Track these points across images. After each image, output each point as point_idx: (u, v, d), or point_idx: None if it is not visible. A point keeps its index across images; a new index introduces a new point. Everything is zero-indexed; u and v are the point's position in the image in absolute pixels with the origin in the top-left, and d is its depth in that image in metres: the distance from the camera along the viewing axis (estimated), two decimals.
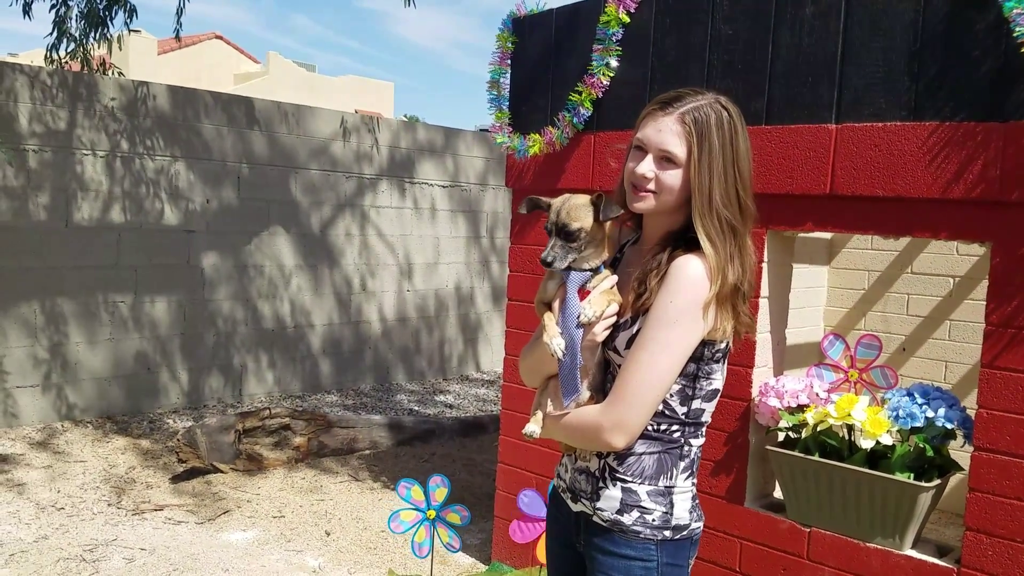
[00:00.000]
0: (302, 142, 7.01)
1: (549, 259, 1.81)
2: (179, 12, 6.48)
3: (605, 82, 3.39)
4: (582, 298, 1.82)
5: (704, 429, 1.87)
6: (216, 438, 4.97)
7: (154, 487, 4.88)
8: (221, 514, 4.51)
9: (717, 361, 1.82)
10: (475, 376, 8.69)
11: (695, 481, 1.88)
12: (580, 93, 3.44)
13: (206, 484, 4.91)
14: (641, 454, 1.80)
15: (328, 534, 4.36)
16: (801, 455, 2.97)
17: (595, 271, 1.86)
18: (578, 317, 1.79)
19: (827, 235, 5.27)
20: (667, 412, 1.79)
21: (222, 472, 5.00)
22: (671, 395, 1.78)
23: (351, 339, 7.65)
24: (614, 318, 1.83)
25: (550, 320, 1.84)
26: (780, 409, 3.05)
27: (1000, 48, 2.51)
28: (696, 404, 1.81)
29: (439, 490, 3.18)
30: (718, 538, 3.20)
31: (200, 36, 29.60)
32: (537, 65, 3.69)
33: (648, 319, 1.74)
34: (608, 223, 1.85)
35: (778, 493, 3.25)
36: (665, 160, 1.75)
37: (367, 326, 7.76)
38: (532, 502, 3.03)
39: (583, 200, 1.83)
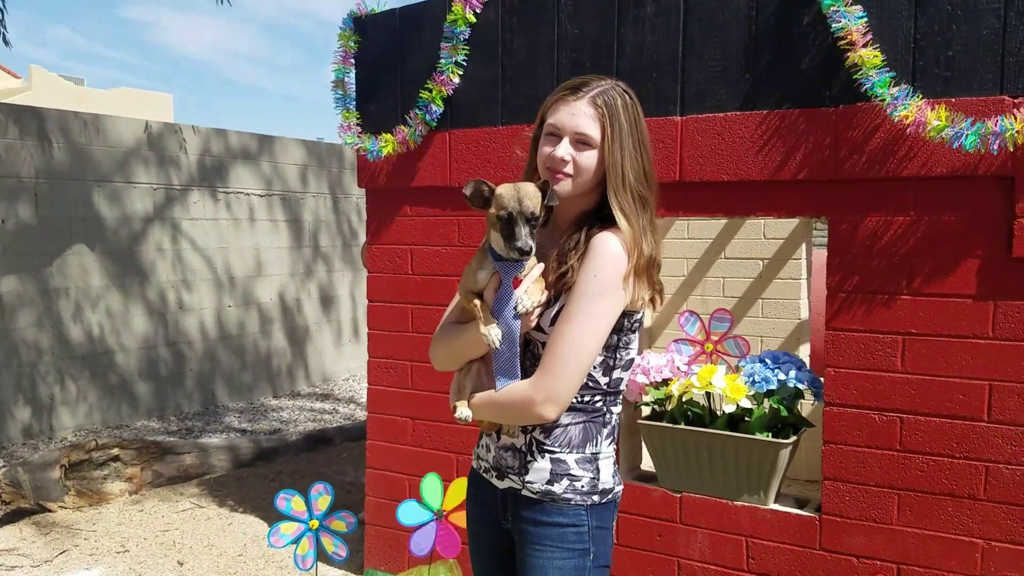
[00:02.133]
0: (104, 153, 6.53)
1: (528, 246, 1.79)
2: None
3: (455, 80, 3.44)
4: (514, 286, 1.85)
5: (621, 397, 1.97)
6: (40, 475, 4.54)
7: None
8: (59, 554, 4.13)
9: (634, 331, 1.93)
10: (307, 390, 8.45)
11: (615, 447, 1.97)
12: (431, 91, 3.46)
13: (35, 525, 4.47)
14: (567, 425, 1.87)
15: (181, 564, 4.11)
16: (669, 425, 3.16)
17: (525, 255, 1.88)
18: (515, 308, 1.82)
19: None
20: (590, 383, 1.88)
21: (51, 511, 4.58)
22: (594, 367, 1.86)
23: (170, 360, 7.21)
24: (546, 303, 1.88)
25: (484, 311, 1.86)
26: (647, 384, 3.22)
27: (824, 40, 2.79)
28: (616, 374, 1.91)
29: (322, 498, 3.10)
30: None
31: None
32: (383, 64, 3.67)
33: (573, 294, 1.81)
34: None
35: (647, 465, 3.43)
36: (581, 143, 1.84)
37: (187, 345, 7.35)
38: (413, 511, 3.00)
39: (533, 188, 1.84)
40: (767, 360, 3.15)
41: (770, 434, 3.06)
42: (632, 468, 3.39)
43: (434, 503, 2.94)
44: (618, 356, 1.90)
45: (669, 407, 3.19)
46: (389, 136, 3.53)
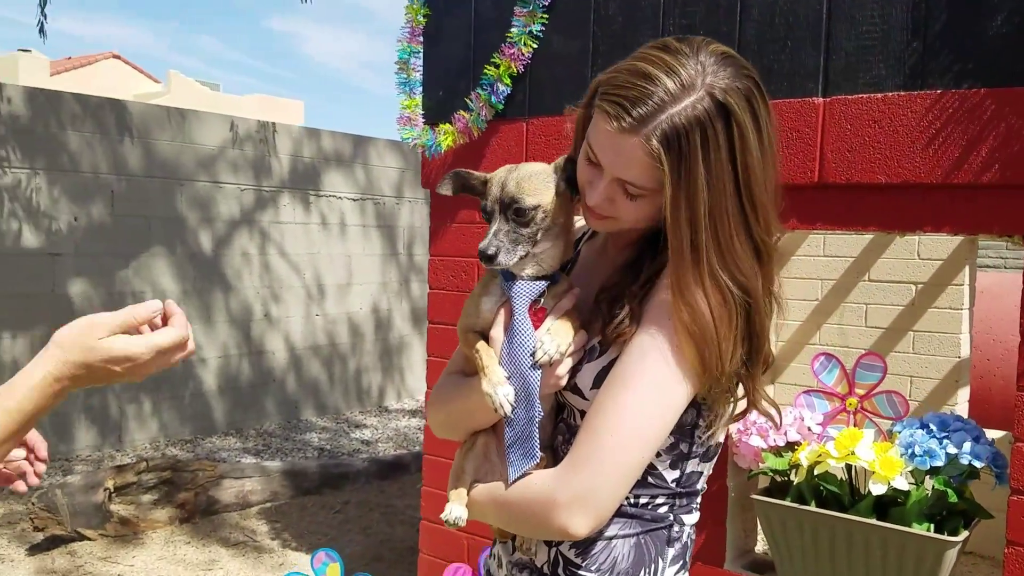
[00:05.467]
0: (188, 151, 6.22)
1: (491, 250, 1.21)
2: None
3: (527, 54, 2.81)
4: (535, 322, 1.23)
5: (699, 500, 1.32)
6: (80, 499, 4.15)
7: (7, 561, 4.03)
8: None
9: (724, 404, 1.26)
10: (395, 407, 7.98)
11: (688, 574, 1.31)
12: (498, 66, 2.83)
13: (70, 555, 4.08)
14: (612, 538, 1.24)
15: None
16: (794, 505, 2.42)
17: (551, 279, 1.27)
18: (533, 354, 1.20)
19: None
20: (651, 479, 1.24)
21: (89, 539, 4.18)
22: (659, 454, 1.23)
23: (251, 373, 6.85)
24: (581, 352, 1.26)
25: (490, 358, 1.23)
26: (764, 450, 2.48)
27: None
28: (692, 466, 1.27)
29: (330, 568, 2.52)
30: None
31: (96, 56, 28.33)
32: (455, 42, 3.07)
33: (632, 347, 1.18)
34: (572, 203, 1.30)
35: (762, 545, 2.70)
36: (628, 186, 1.19)
37: (270, 357, 6.97)
38: None
39: (540, 168, 1.27)
40: (932, 426, 2.36)
41: (931, 526, 2.28)
42: (743, 552, 2.66)
43: None
44: (696, 440, 1.25)
45: (795, 480, 2.45)
46: (448, 127, 2.92)
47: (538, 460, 1.22)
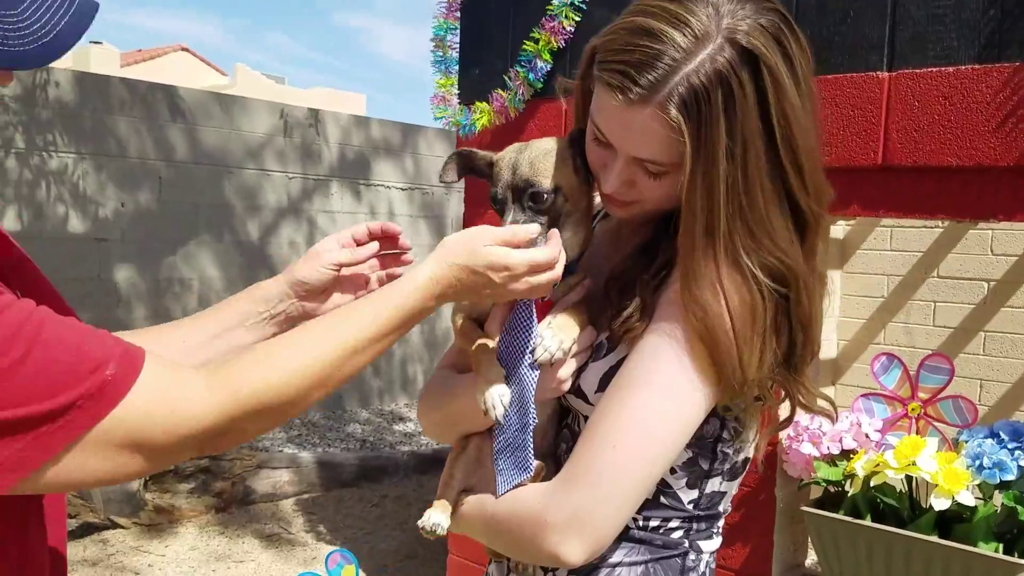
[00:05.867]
0: (236, 138, 6.19)
1: None
2: None
3: (569, 27, 2.65)
4: (539, 314, 1.08)
5: (721, 523, 1.15)
6: (115, 487, 4.12)
7: None
8: None
9: (750, 412, 1.09)
10: None
11: None
12: (537, 41, 2.67)
13: (101, 543, 4.06)
14: (616, 565, 1.08)
15: None
16: (848, 519, 2.23)
17: (565, 269, 1.10)
18: (533, 352, 1.05)
19: (839, 234, 4.56)
20: (664, 499, 1.08)
21: (123, 528, 4.15)
22: (674, 470, 1.07)
23: None
24: (589, 351, 1.10)
25: (486, 355, 1.08)
26: (816, 458, 2.29)
27: None
28: (714, 485, 1.10)
29: (345, 570, 2.39)
30: None
31: (165, 48, 28.90)
32: (493, 17, 2.92)
33: (642, 345, 1.02)
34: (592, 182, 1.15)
35: (811, 560, 2.51)
36: (647, 163, 1.03)
37: None
38: None
39: (554, 143, 1.10)
40: (1002, 435, 2.15)
41: (1000, 546, 2.09)
42: (791, 567, 2.47)
43: None
44: (719, 454, 1.08)
45: (850, 491, 2.25)
46: (484, 105, 2.77)
47: (532, 473, 1.07)
